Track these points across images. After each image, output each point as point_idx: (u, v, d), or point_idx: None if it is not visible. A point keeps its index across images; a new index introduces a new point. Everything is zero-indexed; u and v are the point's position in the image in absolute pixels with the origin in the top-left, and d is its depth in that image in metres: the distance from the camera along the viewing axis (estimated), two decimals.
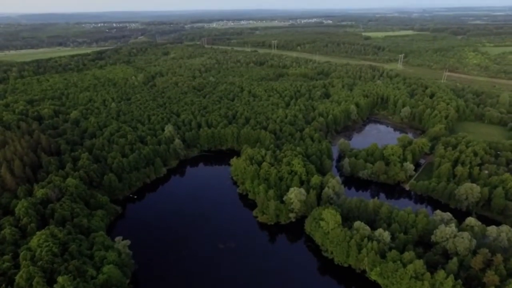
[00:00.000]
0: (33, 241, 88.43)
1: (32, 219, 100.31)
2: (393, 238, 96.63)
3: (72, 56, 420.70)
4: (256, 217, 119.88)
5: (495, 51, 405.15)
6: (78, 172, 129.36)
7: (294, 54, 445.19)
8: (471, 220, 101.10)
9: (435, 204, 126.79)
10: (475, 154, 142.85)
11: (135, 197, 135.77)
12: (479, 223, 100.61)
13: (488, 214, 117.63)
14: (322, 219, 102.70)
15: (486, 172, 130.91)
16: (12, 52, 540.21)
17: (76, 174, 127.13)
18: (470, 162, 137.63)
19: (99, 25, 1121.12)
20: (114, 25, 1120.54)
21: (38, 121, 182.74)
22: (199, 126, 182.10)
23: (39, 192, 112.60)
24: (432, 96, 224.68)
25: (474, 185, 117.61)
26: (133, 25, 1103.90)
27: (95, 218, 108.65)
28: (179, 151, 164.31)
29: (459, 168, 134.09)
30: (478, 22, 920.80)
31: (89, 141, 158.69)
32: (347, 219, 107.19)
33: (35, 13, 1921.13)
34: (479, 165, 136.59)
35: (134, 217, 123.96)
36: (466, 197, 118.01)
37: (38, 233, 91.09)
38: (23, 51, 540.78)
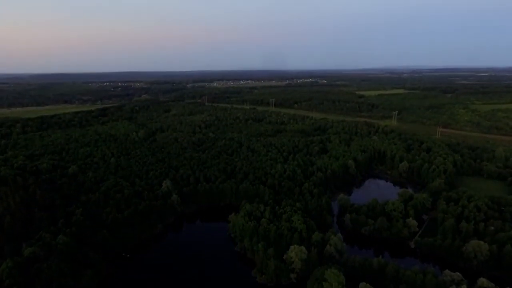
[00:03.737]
0: None
1: (15, 281, 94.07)
2: None
3: (76, 112, 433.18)
4: (255, 277, 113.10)
5: (485, 109, 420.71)
6: (71, 228, 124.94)
7: (292, 111, 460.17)
8: (483, 281, 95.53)
9: (442, 262, 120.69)
10: (478, 210, 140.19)
11: (128, 256, 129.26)
12: (492, 284, 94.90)
13: (499, 273, 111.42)
14: (324, 280, 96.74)
15: (492, 228, 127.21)
16: (18, 109, 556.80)
17: (68, 231, 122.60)
18: (474, 218, 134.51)
19: (104, 84, 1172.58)
20: (119, 84, 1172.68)
21: (36, 175, 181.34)
22: (197, 181, 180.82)
23: (27, 250, 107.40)
24: (428, 151, 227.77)
25: (482, 242, 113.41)
26: (138, 84, 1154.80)
27: (84, 279, 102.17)
28: (176, 206, 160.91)
29: (463, 224, 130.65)
30: (464, 82, 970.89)
31: (85, 196, 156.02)
32: (351, 279, 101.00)
33: (44, 73, 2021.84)
34: (484, 220, 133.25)
35: (126, 277, 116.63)
36: (474, 255, 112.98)
37: None
38: (28, 108, 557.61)
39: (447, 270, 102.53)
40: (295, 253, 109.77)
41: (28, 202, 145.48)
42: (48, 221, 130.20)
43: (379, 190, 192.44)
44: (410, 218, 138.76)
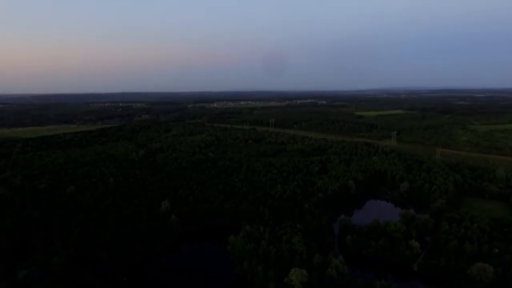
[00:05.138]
0: None
1: None
2: None
3: (76, 132, 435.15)
4: None
5: (483, 129, 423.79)
6: (68, 249, 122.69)
7: (291, 132, 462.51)
8: None
9: (447, 285, 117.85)
10: (482, 231, 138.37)
11: (124, 278, 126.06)
12: None
13: None
14: None
15: (497, 250, 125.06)
16: (19, 129, 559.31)
17: (64, 252, 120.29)
18: (478, 239, 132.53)
19: (106, 104, 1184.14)
20: (120, 104, 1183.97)
21: (34, 195, 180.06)
22: (197, 201, 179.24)
23: (22, 272, 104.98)
24: (429, 171, 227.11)
25: (487, 265, 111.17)
26: (138, 104, 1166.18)
27: None
28: (175, 227, 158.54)
29: (467, 245, 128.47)
30: (462, 102, 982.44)
31: (83, 216, 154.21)
32: None
33: (46, 93, 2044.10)
34: (487, 242, 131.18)
35: None
36: (479, 278, 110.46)
37: None
38: (29, 128, 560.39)
39: None
40: (296, 276, 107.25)
41: (25, 222, 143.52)
42: (44, 242, 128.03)
43: (380, 211, 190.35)
44: (413, 240, 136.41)
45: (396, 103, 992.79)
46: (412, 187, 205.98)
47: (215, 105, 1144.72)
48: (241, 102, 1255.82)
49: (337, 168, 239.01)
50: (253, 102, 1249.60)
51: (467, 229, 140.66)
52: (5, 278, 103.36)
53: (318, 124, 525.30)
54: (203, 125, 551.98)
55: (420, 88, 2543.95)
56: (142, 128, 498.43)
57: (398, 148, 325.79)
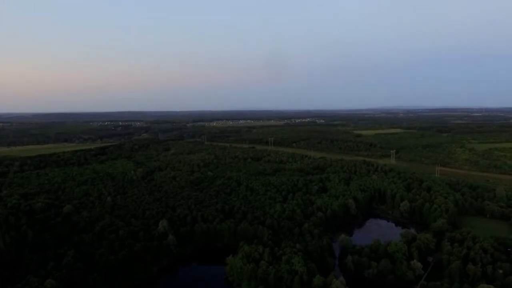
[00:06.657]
0: None
1: None
2: None
3: (75, 151, 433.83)
4: None
5: (481, 147, 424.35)
6: (61, 271, 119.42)
7: (290, 150, 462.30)
8: None
9: None
10: (485, 251, 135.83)
11: None
12: None
13: None
14: None
15: (501, 271, 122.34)
16: (18, 147, 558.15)
17: (57, 274, 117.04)
18: (481, 260, 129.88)
19: (105, 123, 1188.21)
20: (120, 123, 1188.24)
21: (29, 215, 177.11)
22: (195, 221, 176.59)
23: None
24: (429, 190, 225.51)
25: (492, 286, 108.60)
26: (138, 123, 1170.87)
27: None
28: (172, 247, 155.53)
29: (470, 267, 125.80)
30: (459, 121, 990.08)
31: (78, 236, 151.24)
32: None
33: (47, 112, 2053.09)
34: (491, 263, 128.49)
35: None
36: None
37: None
38: (28, 147, 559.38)
39: None
40: None
41: (19, 243, 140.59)
42: (37, 264, 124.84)
43: (380, 230, 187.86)
44: (415, 260, 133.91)
45: (395, 122, 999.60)
46: (413, 206, 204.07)
47: (214, 124, 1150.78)
48: (240, 121, 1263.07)
49: (336, 187, 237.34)
50: (252, 121, 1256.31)
51: (470, 249, 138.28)
52: None
53: (317, 143, 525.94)
54: (202, 144, 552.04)
55: (418, 107, 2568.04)
56: (141, 146, 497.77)
57: (397, 167, 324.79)
